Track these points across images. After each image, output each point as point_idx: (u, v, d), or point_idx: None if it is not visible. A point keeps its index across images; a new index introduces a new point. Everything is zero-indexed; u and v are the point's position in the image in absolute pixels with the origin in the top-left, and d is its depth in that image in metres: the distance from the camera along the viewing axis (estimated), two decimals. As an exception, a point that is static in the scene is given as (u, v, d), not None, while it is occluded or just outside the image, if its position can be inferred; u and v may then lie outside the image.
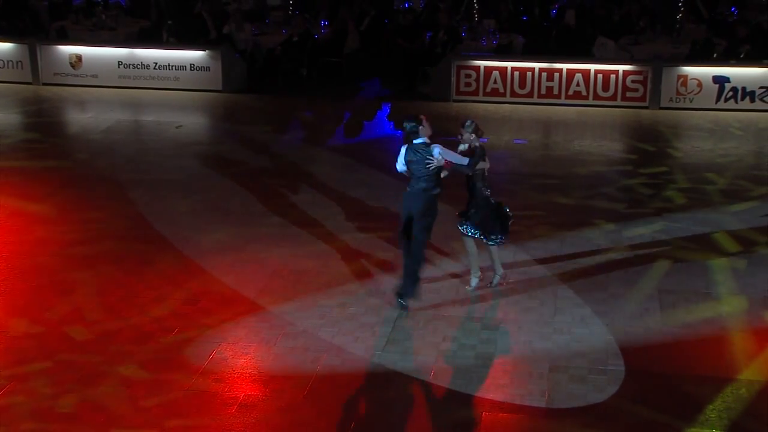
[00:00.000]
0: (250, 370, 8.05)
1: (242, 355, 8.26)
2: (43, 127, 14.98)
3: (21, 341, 8.47)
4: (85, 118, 15.57)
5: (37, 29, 18.60)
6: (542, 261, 10.19)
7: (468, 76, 16.25)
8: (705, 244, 10.61)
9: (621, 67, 15.98)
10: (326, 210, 11.48)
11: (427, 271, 9.42)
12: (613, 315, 9.01)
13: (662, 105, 15.85)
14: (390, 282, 9.47)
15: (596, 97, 16.02)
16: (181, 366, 8.07)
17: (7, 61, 17.01)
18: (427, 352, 8.36)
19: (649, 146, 14.14)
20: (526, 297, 9.40)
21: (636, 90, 15.95)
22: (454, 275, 9.78)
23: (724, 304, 9.26)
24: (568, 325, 8.83)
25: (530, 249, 10.45)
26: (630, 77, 15.92)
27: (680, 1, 17.20)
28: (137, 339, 8.51)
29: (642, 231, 10.95)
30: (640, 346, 8.47)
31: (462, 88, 16.30)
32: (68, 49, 16.99)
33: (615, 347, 8.43)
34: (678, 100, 15.83)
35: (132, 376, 7.92)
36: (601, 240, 10.72)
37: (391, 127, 15.13)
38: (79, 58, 16.95)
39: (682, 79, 15.76)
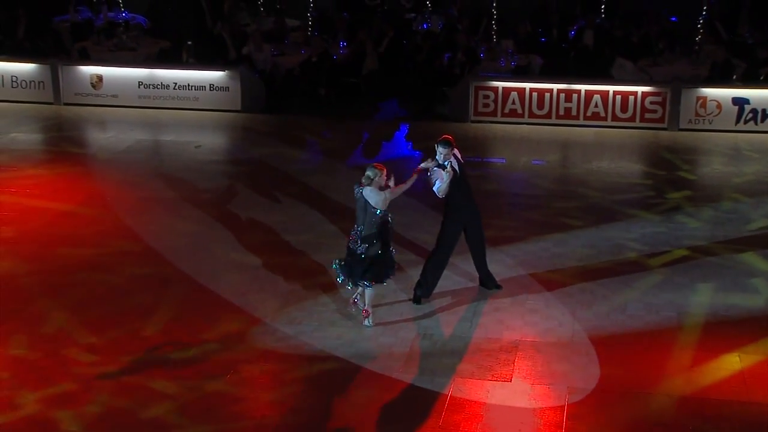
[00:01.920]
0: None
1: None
2: (64, 146, 15.08)
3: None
4: (106, 137, 15.68)
5: (59, 50, 18.78)
6: (550, 286, 10.15)
7: (486, 97, 16.26)
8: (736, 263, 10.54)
9: (640, 89, 15.95)
10: (343, 225, 11.48)
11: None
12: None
13: (681, 126, 15.79)
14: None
15: (615, 118, 15.98)
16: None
17: (30, 82, 17.17)
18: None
19: (668, 168, 14.07)
20: (543, 319, 9.37)
21: (655, 111, 15.91)
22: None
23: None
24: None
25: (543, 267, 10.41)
26: (649, 98, 15.89)
27: (699, 23, 17.15)
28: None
29: (663, 257, 10.86)
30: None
31: (480, 109, 16.30)
32: (89, 70, 17.14)
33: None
34: (697, 121, 15.77)
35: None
36: (624, 266, 10.67)
37: (409, 147, 15.14)
38: (99, 78, 17.09)
39: (701, 101, 15.71)
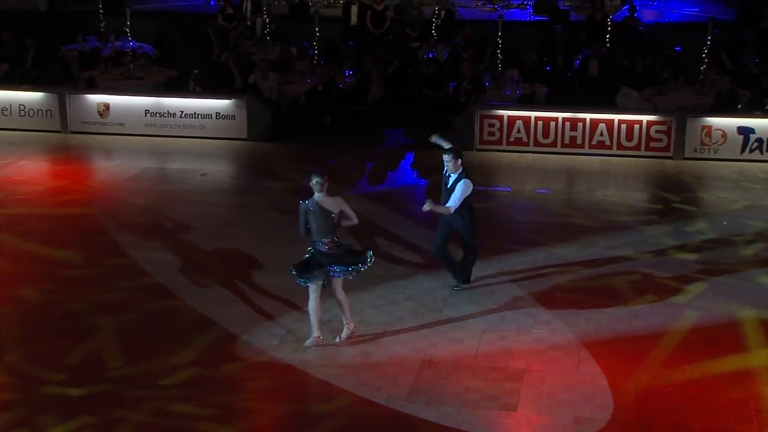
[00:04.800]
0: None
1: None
2: (71, 174, 15.14)
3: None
4: (112, 165, 15.73)
5: (67, 79, 18.90)
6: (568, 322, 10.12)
7: (491, 125, 16.29)
8: (740, 298, 10.50)
9: (645, 117, 15.97)
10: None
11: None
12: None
13: (686, 155, 15.80)
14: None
15: (620, 146, 15.99)
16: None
17: (37, 110, 17.26)
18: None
19: (674, 196, 14.06)
20: (549, 348, 9.33)
21: (660, 140, 15.92)
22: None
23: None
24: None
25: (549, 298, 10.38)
26: (654, 127, 15.91)
27: (704, 53, 17.21)
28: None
29: (674, 287, 10.83)
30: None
31: (485, 137, 16.33)
32: (96, 98, 17.23)
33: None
34: (702, 150, 15.78)
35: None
36: (627, 292, 10.64)
37: (414, 175, 15.16)
38: (106, 106, 17.18)
39: (706, 130, 15.72)
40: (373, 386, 8.56)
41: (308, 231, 9.08)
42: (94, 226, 12.66)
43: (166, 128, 17.03)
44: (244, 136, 16.86)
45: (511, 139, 16.26)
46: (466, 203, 10.12)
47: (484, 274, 11.00)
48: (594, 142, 16.06)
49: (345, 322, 9.34)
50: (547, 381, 8.68)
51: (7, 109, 17.25)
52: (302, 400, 8.50)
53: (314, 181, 8.96)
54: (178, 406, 8.27)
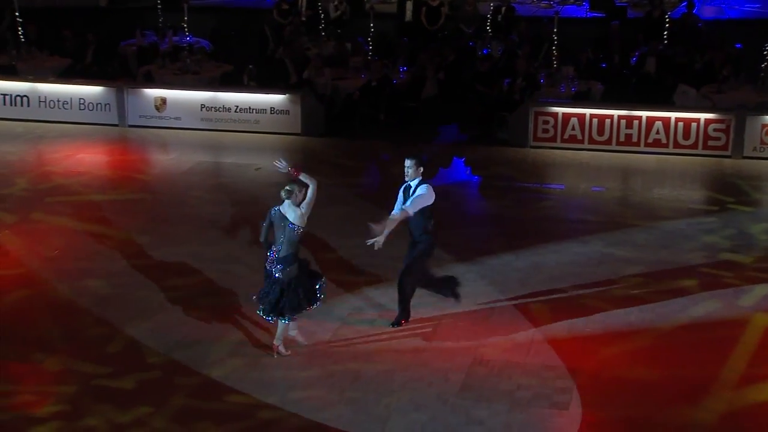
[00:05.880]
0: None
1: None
2: (128, 167, 15.36)
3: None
4: (168, 159, 15.94)
5: (125, 73, 19.19)
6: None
7: (546, 122, 16.18)
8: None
9: (703, 116, 15.73)
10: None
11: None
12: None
13: (745, 154, 15.51)
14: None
15: (677, 145, 15.77)
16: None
17: (96, 104, 17.53)
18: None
19: (731, 196, 13.83)
20: (602, 347, 9.25)
21: (718, 139, 15.66)
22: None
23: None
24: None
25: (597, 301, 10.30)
26: (712, 126, 15.65)
27: (765, 50, 16.89)
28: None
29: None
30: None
31: (539, 135, 16.22)
32: (153, 93, 17.46)
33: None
34: (762, 149, 15.48)
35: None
36: (683, 294, 10.50)
37: (468, 172, 15.12)
38: (163, 101, 17.40)
39: (766, 129, 15.43)
40: (425, 382, 8.58)
41: (269, 243, 8.83)
42: (151, 217, 12.84)
43: (221, 123, 17.20)
44: (298, 131, 16.96)
45: (566, 136, 16.12)
46: (430, 220, 9.39)
47: (533, 271, 10.95)
48: (650, 140, 15.85)
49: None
50: (599, 380, 8.61)
51: (67, 103, 17.57)
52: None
53: (288, 188, 8.72)
54: (234, 397, 8.38)
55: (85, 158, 15.70)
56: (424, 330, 9.56)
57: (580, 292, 10.47)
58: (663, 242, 11.94)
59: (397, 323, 9.59)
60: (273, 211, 8.81)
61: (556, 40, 17.78)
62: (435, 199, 9.32)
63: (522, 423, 7.97)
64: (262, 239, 8.96)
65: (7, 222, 12.56)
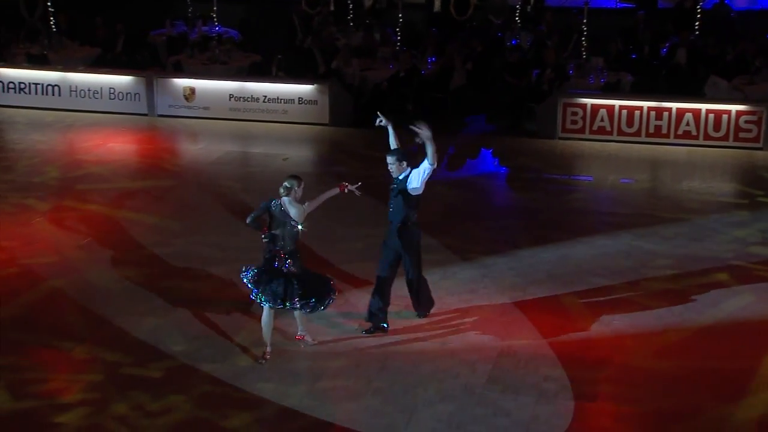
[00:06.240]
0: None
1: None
2: (158, 156, 15.46)
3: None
4: (197, 148, 16.03)
5: (155, 63, 19.31)
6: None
7: (574, 113, 16.10)
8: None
9: (734, 107, 15.58)
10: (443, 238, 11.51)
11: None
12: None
13: (777, 146, 15.39)
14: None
15: (707, 137, 15.64)
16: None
17: (126, 93, 17.65)
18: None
19: (762, 190, 13.67)
20: (629, 339, 9.20)
21: (749, 131, 15.50)
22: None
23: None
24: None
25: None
26: (743, 117, 15.49)
27: (798, 41, 16.72)
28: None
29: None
30: None
31: (568, 126, 16.14)
32: (182, 82, 17.55)
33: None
34: (794, 142, 15.35)
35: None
36: (712, 288, 10.41)
37: (495, 163, 15.07)
38: (192, 90, 17.49)
39: (799, 121, 15.28)
40: (452, 373, 8.58)
41: (257, 224, 8.72)
42: (180, 206, 12.92)
43: (249, 112, 17.26)
44: (326, 121, 16.98)
45: (595, 127, 16.04)
46: (414, 210, 9.11)
47: (562, 263, 10.92)
48: (680, 132, 15.73)
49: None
50: (627, 372, 8.58)
51: (97, 92, 17.70)
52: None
53: (284, 184, 8.57)
54: (261, 385, 8.43)
55: (115, 147, 15.82)
56: (451, 321, 9.55)
57: (609, 284, 10.42)
58: (693, 235, 11.85)
59: (422, 314, 9.57)
60: (273, 205, 8.62)
61: (585, 30, 17.67)
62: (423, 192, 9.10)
63: (549, 415, 7.95)
64: (248, 221, 8.79)
65: (40, 210, 12.69)
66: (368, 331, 9.30)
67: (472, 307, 9.85)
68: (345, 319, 9.61)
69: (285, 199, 8.58)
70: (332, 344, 9.14)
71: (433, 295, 9.60)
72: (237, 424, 7.87)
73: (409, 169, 9.10)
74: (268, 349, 8.80)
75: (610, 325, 9.48)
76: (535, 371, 8.60)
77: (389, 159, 9.14)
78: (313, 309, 8.80)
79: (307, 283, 8.71)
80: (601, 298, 10.07)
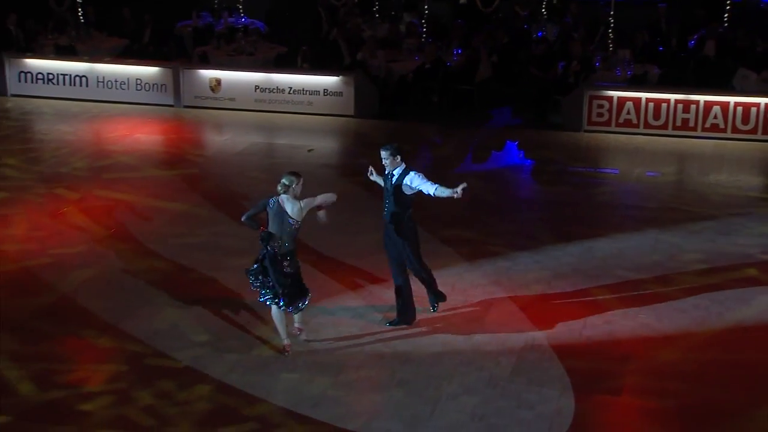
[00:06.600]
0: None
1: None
2: (183, 147, 15.53)
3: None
4: (223, 140, 16.09)
5: (181, 54, 19.40)
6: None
7: (600, 106, 16.01)
8: None
9: (763, 100, 15.42)
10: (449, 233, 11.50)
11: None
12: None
13: (807, 140, 15.23)
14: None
15: (735, 130, 15.50)
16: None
17: (153, 84, 17.75)
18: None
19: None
20: (655, 333, 9.14)
21: (779, 123, 15.37)
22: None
23: None
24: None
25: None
26: (773, 110, 15.36)
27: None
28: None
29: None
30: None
31: (594, 119, 16.06)
32: (208, 73, 17.62)
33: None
34: (824, 135, 15.18)
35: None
36: (740, 282, 10.33)
37: (521, 156, 15.02)
38: (218, 82, 17.55)
39: (828, 114, 15.11)
40: (475, 366, 8.58)
41: (253, 222, 8.66)
42: (205, 197, 12.98)
43: (274, 104, 17.31)
44: (352, 113, 16.99)
45: (621, 120, 15.95)
46: (408, 209, 9.11)
47: (587, 256, 10.87)
48: (707, 125, 15.61)
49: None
50: (653, 367, 8.54)
51: (125, 83, 17.82)
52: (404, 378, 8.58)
53: (283, 181, 8.47)
54: (286, 374, 8.46)
55: (141, 138, 15.92)
56: (475, 314, 9.55)
57: (635, 278, 10.36)
58: (720, 229, 11.76)
59: (433, 307, 9.56)
60: (271, 202, 8.55)
61: (612, 22, 17.55)
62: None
63: (573, 408, 7.93)
64: (244, 218, 8.73)
65: (69, 199, 12.80)
66: (392, 323, 9.32)
67: (496, 300, 9.84)
68: (369, 310, 9.62)
69: (283, 196, 8.51)
70: (356, 336, 9.16)
71: (458, 287, 9.59)
72: (263, 411, 7.91)
73: (403, 164, 9.07)
74: (286, 342, 8.79)
75: (636, 319, 9.43)
76: (559, 364, 8.58)
77: (383, 153, 9.10)
78: (278, 306, 8.66)
79: (290, 286, 8.58)
80: (627, 293, 10.02)
